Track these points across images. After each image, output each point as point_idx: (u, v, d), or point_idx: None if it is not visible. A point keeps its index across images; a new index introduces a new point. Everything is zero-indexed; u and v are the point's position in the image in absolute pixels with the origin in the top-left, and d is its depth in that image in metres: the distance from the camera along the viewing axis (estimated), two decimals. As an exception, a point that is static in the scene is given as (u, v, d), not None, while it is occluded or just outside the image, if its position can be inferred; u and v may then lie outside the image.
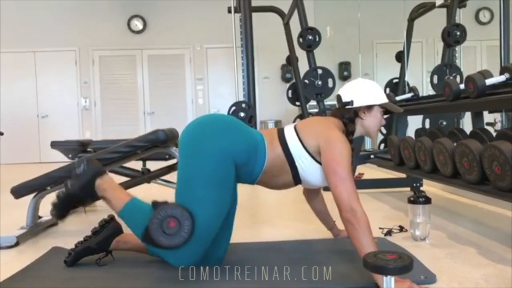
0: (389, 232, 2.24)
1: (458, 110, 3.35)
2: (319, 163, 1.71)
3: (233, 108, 4.08)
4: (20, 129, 8.37)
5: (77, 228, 2.67)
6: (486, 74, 2.15)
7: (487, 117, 2.96)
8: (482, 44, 5.86)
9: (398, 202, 3.15)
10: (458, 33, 4.11)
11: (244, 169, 1.71)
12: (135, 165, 3.09)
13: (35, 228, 2.49)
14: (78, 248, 1.83)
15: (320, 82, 4.05)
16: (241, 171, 1.71)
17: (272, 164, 1.73)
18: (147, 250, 1.85)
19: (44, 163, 7.96)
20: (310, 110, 5.27)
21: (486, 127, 2.79)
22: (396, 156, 2.86)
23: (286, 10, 5.28)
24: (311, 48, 4.16)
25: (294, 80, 5.74)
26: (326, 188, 1.96)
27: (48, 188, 2.47)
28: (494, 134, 2.53)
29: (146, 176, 3.13)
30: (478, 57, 6.07)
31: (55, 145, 3.31)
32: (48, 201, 2.70)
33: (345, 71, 8.01)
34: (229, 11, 4.67)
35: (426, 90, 5.58)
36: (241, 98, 4.37)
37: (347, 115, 1.83)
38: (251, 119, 4.02)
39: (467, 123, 3.68)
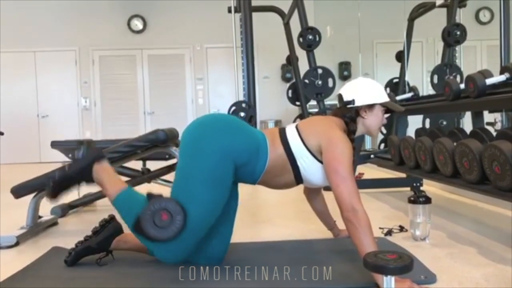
0: (389, 232, 2.24)
1: (458, 109, 3.35)
2: (321, 162, 1.71)
3: (233, 108, 4.08)
4: (20, 129, 8.37)
5: (77, 228, 2.67)
6: (486, 73, 2.15)
7: (487, 116, 2.96)
8: (482, 44, 5.86)
9: (398, 202, 3.15)
10: (458, 32, 4.11)
11: (245, 169, 1.71)
12: (135, 165, 3.10)
13: (35, 228, 2.49)
14: (78, 248, 1.83)
15: (320, 82, 4.05)
16: (242, 171, 1.71)
17: (274, 164, 1.73)
18: (147, 250, 1.85)
19: (44, 163, 7.96)
20: (310, 110, 5.27)
21: (486, 126, 2.79)
22: (396, 156, 2.86)
23: (286, 9, 5.28)
24: (311, 47, 4.16)
25: (294, 80, 5.74)
26: (327, 188, 1.96)
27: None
28: (494, 133, 2.52)
29: (146, 176, 3.13)
30: (478, 57, 6.07)
31: (55, 145, 3.31)
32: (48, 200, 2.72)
33: (345, 71, 8.01)
34: (229, 11, 4.67)
35: (426, 89, 5.58)
36: (241, 98, 4.37)
37: (349, 114, 1.83)
38: (251, 119, 4.02)
39: (467, 123, 3.68)
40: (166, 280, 1.63)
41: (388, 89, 4.85)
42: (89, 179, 1.78)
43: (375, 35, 7.39)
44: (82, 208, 3.19)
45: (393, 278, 1.26)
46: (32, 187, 2.45)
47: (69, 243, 1.95)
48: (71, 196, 3.13)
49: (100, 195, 3.07)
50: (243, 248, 2.01)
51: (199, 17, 8.59)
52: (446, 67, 4.11)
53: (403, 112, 3.20)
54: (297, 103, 5.65)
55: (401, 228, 2.29)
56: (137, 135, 2.66)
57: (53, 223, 2.70)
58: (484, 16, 6.04)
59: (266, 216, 2.94)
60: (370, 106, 1.83)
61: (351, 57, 7.77)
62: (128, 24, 8.66)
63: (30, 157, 8.41)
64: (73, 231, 2.55)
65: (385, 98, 1.85)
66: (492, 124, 3.25)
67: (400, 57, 5.12)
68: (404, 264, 1.24)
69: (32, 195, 2.49)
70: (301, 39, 4.17)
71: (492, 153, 1.79)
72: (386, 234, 2.22)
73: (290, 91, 5.68)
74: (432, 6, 4.61)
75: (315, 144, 1.71)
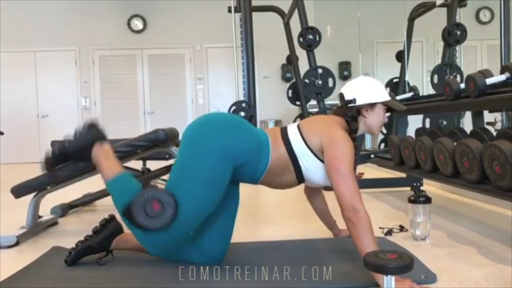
0: (390, 232, 2.24)
1: (458, 109, 3.35)
2: (322, 161, 1.71)
3: (233, 107, 4.09)
4: (20, 128, 8.37)
5: (77, 227, 2.67)
6: (486, 73, 2.15)
7: (488, 116, 2.96)
8: (483, 44, 5.86)
9: (398, 201, 3.15)
10: (458, 32, 4.11)
11: (246, 168, 1.70)
12: (135, 164, 3.09)
13: (35, 228, 2.49)
14: (78, 248, 1.83)
15: (320, 82, 4.05)
16: (242, 170, 1.71)
17: (276, 163, 1.73)
18: (147, 249, 1.85)
19: (44, 163, 7.95)
20: (310, 110, 5.27)
21: (486, 126, 2.79)
22: (396, 156, 2.86)
23: (286, 9, 5.28)
24: (311, 47, 4.16)
25: (294, 80, 5.75)
26: (326, 188, 1.96)
27: (48, 187, 2.47)
28: (494, 133, 2.52)
29: (146, 176, 3.13)
30: (478, 57, 6.07)
31: (55, 144, 3.30)
32: (49, 200, 2.72)
33: (345, 71, 8.01)
34: (229, 11, 4.68)
35: (426, 89, 5.58)
36: (241, 98, 4.37)
37: (350, 113, 1.83)
38: (251, 119, 4.02)
39: (467, 123, 3.68)
40: (166, 280, 1.63)
41: (388, 89, 4.85)
42: (88, 158, 1.77)
43: (375, 35, 7.39)
44: (82, 208, 3.19)
45: (393, 278, 1.26)
46: (32, 187, 2.45)
47: (69, 243, 1.95)
48: (71, 196, 3.15)
49: (100, 195, 3.08)
50: (243, 248, 2.01)
51: (199, 17, 8.58)
52: (446, 66, 4.11)
53: (403, 112, 3.21)
54: (297, 103, 5.65)
55: (401, 228, 2.29)
56: (137, 135, 2.66)
57: (53, 223, 2.70)
58: (484, 16, 6.04)
59: (266, 216, 2.94)
60: (372, 105, 1.83)
61: (351, 57, 7.77)
62: (128, 24, 8.66)
63: (30, 157, 8.40)
64: (73, 231, 2.55)
65: (386, 97, 1.85)
66: (492, 123, 3.26)
67: (400, 57, 5.12)
68: (404, 264, 1.23)
69: (32, 195, 2.48)
70: (301, 39, 4.17)
71: (492, 153, 1.79)
72: (386, 234, 2.22)
73: (290, 91, 5.69)
74: (432, 5, 4.61)
75: (316, 143, 1.71)
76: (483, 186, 1.94)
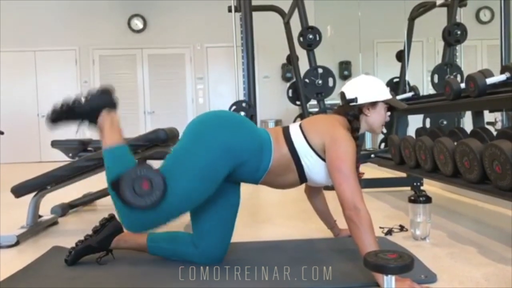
0: (390, 232, 2.24)
1: (458, 109, 3.35)
2: (325, 161, 1.71)
3: (234, 107, 4.09)
4: (21, 128, 8.37)
5: (77, 227, 2.67)
6: (486, 73, 2.14)
7: (488, 116, 2.96)
8: (483, 43, 5.86)
9: (398, 201, 3.15)
10: (458, 32, 4.11)
11: (247, 168, 1.70)
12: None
13: (36, 227, 2.49)
14: (78, 247, 1.83)
15: (320, 81, 4.05)
16: (243, 170, 1.70)
17: (278, 163, 1.72)
18: (147, 249, 1.85)
19: (44, 162, 7.96)
20: (311, 110, 5.27)
21: (486, 126, 2.79)
22: (396, 155, 2.85)
23: (286, 9, 5.28)
24: (311, 47, 4.16)
25: (294, 79, 5.75)
26: (327, 187, 1.96)
27: (49, 187, 2.47)
28: (494, 133, 2.52)
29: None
30: (478, 56, 6.07)
31: (55, 144, 3.31)
32: (49, 200, 2.72)
33: (346, 71, 8.01)
34: (230, 10, 4.68)
35: (426, 89, 5.58)
36: (242, 97, 4.37)
37: (352, 112, 1.82)
38: (251, 118, 4.02)
39: (467, 123, 3.68)
40: (166, 280, 1.63)
41: (388, 88, 4.84)
42: (93, 121, 1.76)
43: (376, 35, 7.39)
44: (82, 208, 3.19)
45: (393, 278, 1.26)
46: (32, 187, 2.44)
47: (69, 243, 1.95)
48: (71, 196, 3.15)
49: (100, 195, 3.08)
50: (243, 248, 2.00)
51: (199, 16, 8.58)
52: (447, 66, 4.11)
53: (403, 112, 3.21)
54: (298, 102, 5.65)
55: (402, 228, 2.29)
56: (137, 135, 2.66)
57: (53, 223, 2.70)
58: (485, 15, 6.04)
59: (266, 216, 2.94)
60: (373, 104, 1.83)
61: (352, 57, 7.77)
62: (128, 24, 8.65)
63: (30, 156, 8.41)
64: (73, 231, 2.55)
65: (387, 96, 1.85)
66: (492, 123, 3.26)
67: (400, 56, 5.12)
68: (404, 264, 1.23)
69: (32, 195, 2.48)
70: (301, 39, 4.17)
71: (493, 153, 1.79)
72: (386, 234, 2.22)
73: (290, 91, 5.69)
74: (433, 5, 4.61)
75: (319, 143, 1.71)
76: (483, 186, 1.94)
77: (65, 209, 2.96)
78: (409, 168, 2.70)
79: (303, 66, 4.56)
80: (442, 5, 4.44)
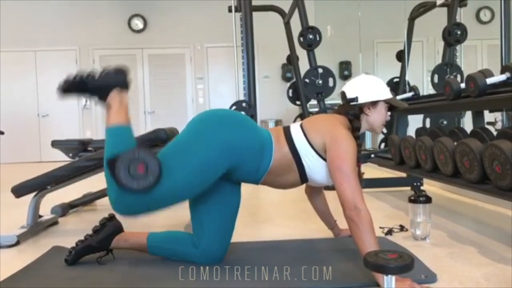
0: (390, 232, 2.24)
1: (458, 109, 3.35)
2: (326, 160, 1.70)
3: (234, 107, 4.09)
4: (21, 128, 8.37)
5: (77, 227, 2.67)
6: (486, 73, 2.14)
7: (488, 116, 2.95)
8: (483, 43, 5.86)
9: (398, 201, 3.15)
10: (458, 32, 4.11)
11: (247, 167, 1.70)
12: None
13: (36, 227, 2.49)
14: (78, 247, 1.83)
15: (320, 81, 4.05)
16: (243, 169, 1.70)
17: (279, 163, 1.72)
18: (147, 249, 1.85)
19: (44, 162, 7.96)
20: (311, 110, 5.27)
21: (486, 126, 2.79)
22: (396, 155, 2.85)
23: (286, 9, 5.28)
24: (311, 47, 4.16)
25: (294, 79, 5.74)
26: (327, 187, 1.96)
27: (49, 187, 2.47)
28: (494, 133, 2.52)
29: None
30: (478, 56, 6.07)
31: (55, 144, 3.31)
32: (49, 200, 2.72)
33: (346, 71, 8.01)
34: (230, 10, 4.68)
35: (426, 89, 5.58)
36: (242, 97, 4.37)
37: (352, 112, 1.82)
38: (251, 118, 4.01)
39: (467, 122, 3.68)
40: (166, 280, 1.63)
41: (388, 88, 4.85)
42: (103, 98, 1.74)
43: (376, 35, 7.39)
44: (82, 208, 3.19)
45: (393, 278, 1.26)
46: (32, 187, 2.44)
47: (70, 242, 1.95)
48: (71, 196, 3.15)
49: (100, 195, 3.08)
50: (243, 248, 2.00)
51: (200, 16, 8.58)
52: (447, 66, 4.11)
53: (403, 112, 3.21)
54: (298, 102, 5.65)
55: (402, 228, 2.29)
56: (137, 135, 2.66)
57: (53, 223, 2.70)
58: (485, 15, 6.03)
59: (266, 216, 2.94)
60: (374, 103, 1.83)
61: (352, 57, 7.77)
62: (129, 24, 8.66)
63: (30, 156, 8.41)
64: (74, 231, 2.55)
65: (388, 95, 1.85)
66: (492, 123, 3.25)
67: (400, 56, 5.12)
68: (404, 264, 1.23)
69: (32, 195, 2.48)
70: (301, 39, 4.17)
71: (493, 153, 1.79)
72: (386, 234, 2.22)
73: (290, 91, 5.69)
74: (433, 5, 4.61)
75: (319, 143, 1.71)
76: (483, 186, 1.94)
77: (65, 209, 2.96)
78: (409, 168, 2.70)
79: (303, 66, 4.56)
80: (442, 5, 4.44)
